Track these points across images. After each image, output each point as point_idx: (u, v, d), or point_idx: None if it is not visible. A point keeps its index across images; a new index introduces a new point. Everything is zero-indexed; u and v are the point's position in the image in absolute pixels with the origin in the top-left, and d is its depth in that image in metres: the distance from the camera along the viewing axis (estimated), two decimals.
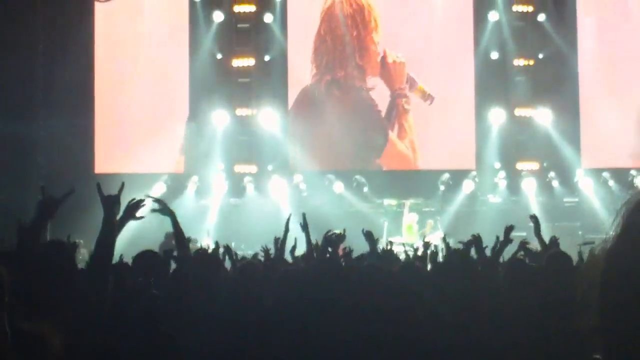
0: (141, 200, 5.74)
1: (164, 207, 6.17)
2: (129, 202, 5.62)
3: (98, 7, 22.07)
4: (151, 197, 6.29)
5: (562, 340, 5.82)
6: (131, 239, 9.11)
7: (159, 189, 20.79)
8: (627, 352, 1.90)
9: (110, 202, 5.29)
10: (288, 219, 9.02)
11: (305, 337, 6.14)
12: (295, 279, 6.57)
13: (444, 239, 11.48)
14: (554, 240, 9.08)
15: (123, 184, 5.52)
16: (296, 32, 22.60)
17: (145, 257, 7.24)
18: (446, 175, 22.02)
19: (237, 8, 21.98)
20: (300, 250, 9.37)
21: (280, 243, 8.99)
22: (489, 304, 6.69)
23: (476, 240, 8.53)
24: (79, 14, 21.54)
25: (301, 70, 22.52)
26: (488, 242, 8.74)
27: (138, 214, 5.61)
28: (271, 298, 6.49)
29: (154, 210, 6.16)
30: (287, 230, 8.98)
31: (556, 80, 21.94)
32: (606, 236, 1.98)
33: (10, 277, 3.44)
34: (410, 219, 20.77)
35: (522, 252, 9.24)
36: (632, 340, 1.89)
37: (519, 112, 21.98)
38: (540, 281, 6.83)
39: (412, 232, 20.32)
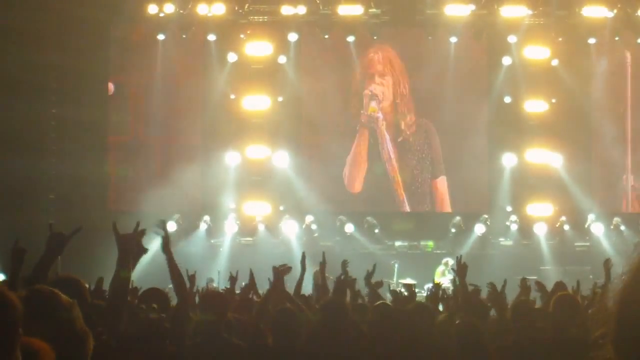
0: (142, 232, 5.72)
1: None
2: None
3: (114, 45, 22.22)
4: (158, 230, 6.27)
5: None
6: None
7: (170, 228, 20.79)
8: None
9: (126, 242, 5.31)
10: (303, 258, 9.00)
11: None
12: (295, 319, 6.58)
13: (453, 281, 11.49)
14: (560, 286, 9.16)
15: (138, 223, 5.52)
16: (310, 73, 22.71)
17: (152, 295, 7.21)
18: (458, 218, 21.99)
19: (251, 49, 22.08)
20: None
21: (297, 282, 9.01)
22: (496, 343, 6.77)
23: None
24: (94, 53, 21.65)
25: (315, 110, 22.62)
26: (499, 285, 8.84)
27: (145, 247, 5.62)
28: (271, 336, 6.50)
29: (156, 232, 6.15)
30: (303, 269, 8.98)
31: (569, 124, 21.96)
32: (622, 271, 1.99)
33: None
34: (443, 267, 20.21)
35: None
36: None
37: (531, 156, 21.96)
38: (547, 321, 6.90)
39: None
